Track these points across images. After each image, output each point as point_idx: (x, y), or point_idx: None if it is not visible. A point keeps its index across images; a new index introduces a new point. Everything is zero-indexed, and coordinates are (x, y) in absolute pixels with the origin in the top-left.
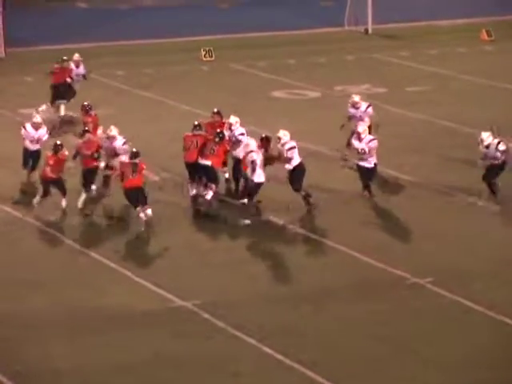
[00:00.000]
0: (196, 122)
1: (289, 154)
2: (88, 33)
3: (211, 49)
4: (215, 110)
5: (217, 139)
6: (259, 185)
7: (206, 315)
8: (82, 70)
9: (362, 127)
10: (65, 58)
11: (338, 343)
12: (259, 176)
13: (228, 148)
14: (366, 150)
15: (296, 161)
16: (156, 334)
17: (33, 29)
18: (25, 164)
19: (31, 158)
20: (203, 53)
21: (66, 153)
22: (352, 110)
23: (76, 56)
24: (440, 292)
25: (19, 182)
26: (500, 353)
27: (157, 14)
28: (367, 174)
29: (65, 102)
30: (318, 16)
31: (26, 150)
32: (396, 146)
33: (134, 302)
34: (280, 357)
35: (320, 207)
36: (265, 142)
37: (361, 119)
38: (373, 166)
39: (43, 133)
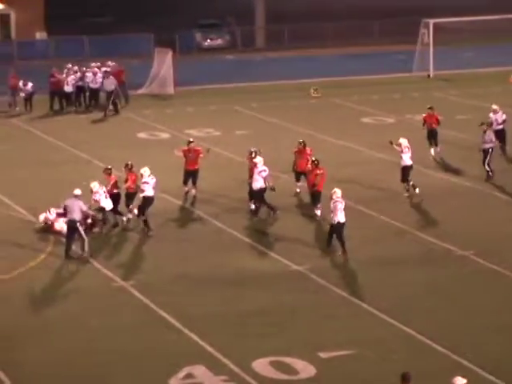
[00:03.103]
0: (191, 139)
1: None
2: (233, 76)
3: (318, 88)
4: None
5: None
6: None
7: (313, 276)
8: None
9: None
10: (430, 106)
11: (411, 296)
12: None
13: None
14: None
15: None
16: (269, 289)
17: (193, 73)
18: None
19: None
20: (312, 90)
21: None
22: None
23: (494, 107)
24: (479, 261)
25: None
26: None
27: (280, 63)
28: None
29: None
30: (394, 65)
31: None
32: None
33: (261, 266)
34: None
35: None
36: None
37: None
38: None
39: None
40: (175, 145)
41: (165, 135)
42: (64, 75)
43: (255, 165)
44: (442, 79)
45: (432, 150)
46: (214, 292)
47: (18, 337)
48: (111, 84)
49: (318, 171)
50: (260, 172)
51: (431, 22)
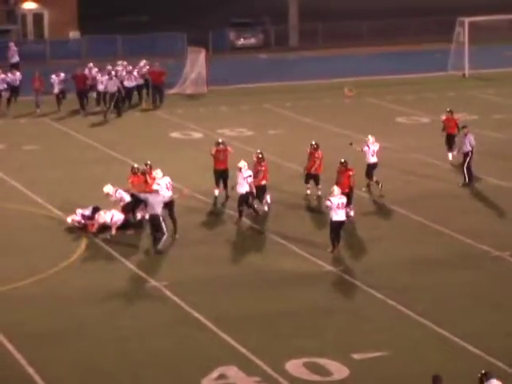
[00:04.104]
0: (220, 140)
1: None
2: (266, 75)
3: (352, 88)
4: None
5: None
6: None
7: (347, 277)
8: None
9: None
10: (449, 109)
11: (446, 297)
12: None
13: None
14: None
15: None
16: (303, 290)
17: (227, 72)
18: None
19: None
20: (346, 90)
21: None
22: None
23: None
24: None
25: None
26: None
27: (314, 62)
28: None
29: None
30: (429, 64)
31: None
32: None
33: (294, 267)
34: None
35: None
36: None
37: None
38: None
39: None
40: (208, 144)
41: (198, 135)
42: (99, 74)
43: (240, 169)
44: (478, 78)
45: (450, 155)
46: (248, 293)
47: (51, 336)
48: (114, 86)
49: (351, 172)
50: (246, 178)
51: (467, 20)
